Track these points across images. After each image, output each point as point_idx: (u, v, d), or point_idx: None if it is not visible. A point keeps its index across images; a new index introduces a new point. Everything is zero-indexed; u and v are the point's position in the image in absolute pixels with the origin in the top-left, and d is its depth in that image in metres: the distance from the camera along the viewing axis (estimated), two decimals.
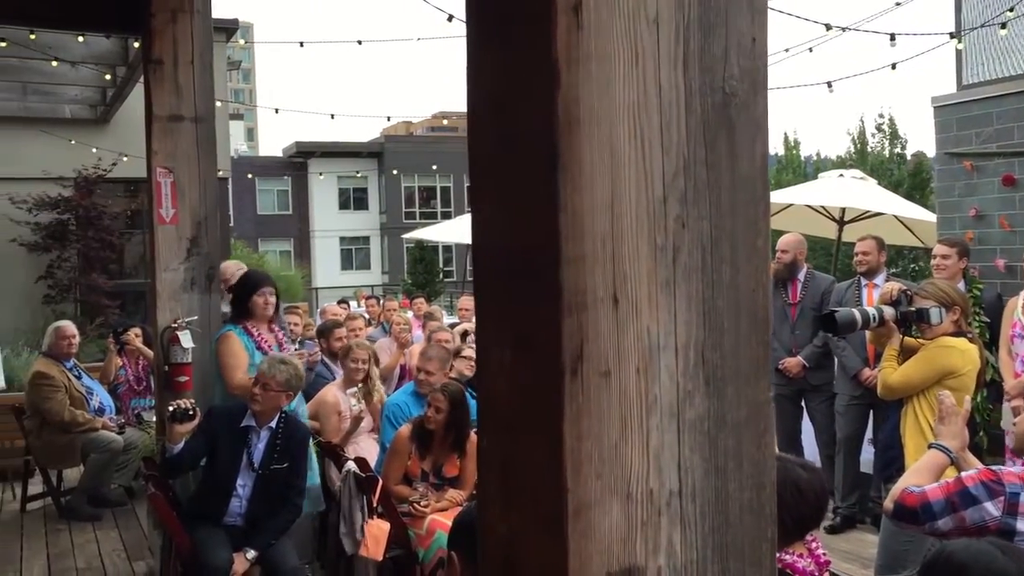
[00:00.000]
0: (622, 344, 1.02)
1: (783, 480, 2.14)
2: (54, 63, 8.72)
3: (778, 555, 2.14)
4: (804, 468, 2.24)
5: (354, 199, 42.15)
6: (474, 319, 6.88)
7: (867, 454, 6.15)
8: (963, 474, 2.58)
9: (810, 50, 8.23)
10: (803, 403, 6.42)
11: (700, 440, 1.06)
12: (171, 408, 4.27)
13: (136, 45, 7.51)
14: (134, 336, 7.39)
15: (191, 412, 4.26)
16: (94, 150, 12.04)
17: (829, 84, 7.93)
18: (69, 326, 7.05)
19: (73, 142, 11.86)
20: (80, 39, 8.41)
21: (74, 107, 11.93)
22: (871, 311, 4.05)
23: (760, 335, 1.10)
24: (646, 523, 1.03)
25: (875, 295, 5.75)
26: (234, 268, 5.90)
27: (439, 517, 4.41)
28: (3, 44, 8.17)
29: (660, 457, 1.04)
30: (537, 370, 1.04)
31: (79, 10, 6.31)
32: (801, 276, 6.31)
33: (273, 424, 4.39)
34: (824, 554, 2.26)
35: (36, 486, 6.94)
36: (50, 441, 6.61)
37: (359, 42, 9.66)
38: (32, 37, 7.99)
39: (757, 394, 1.10)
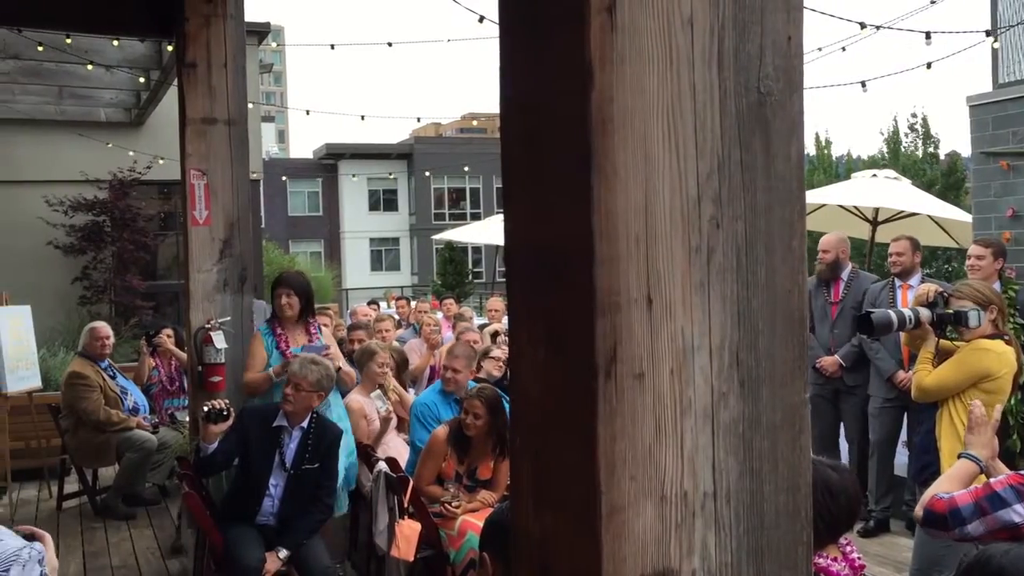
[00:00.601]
0: (656, 345, 1.02)
1: (814, 482, 2.12)
2: (89, 67, 8.84)
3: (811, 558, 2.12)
4: (835, 470, 2.22)
5: (384, 200, 42.32)
6: (504, 320, 6.92)
7: (901, 457, 6.08)
8: (992, 479, 2.55)
9: (843, 49, 8.16)
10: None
11: (734, 442, 1.06)
12: (206, 408, 4.32)
13: (170, 49, 7.60)
14: (166, 337, 7.47)
15: (225, 412, 4.30)
16: (130, 153, 12.19)
17: (863, 83, 7.85)
18: (104, 327, 7.13)
19: (109, 145, 12.01)
20: (115, 43, 8.52)
21: (109, 110, 12.08)
22: (907, 313, 3.99)
23: (796, 336, 1.10)
24: (680, 525, 1.02)
25: (910, 296, 5.69)
26: None
27: (470, 518, 4.41)
28: (40, 48, 8.29)
29: (694, 459, 1.03)
30: (570, 371, 1.04)
31: (114, 14, 6.40)
32: (844, 275, 6.25)
33: (305, 424, 4.42)
34: (859, 558, 2.24)
35: (72, 485, 7.04)
36: (85, 440, 6.69)
37: (389, 44, 9.70)
38: (68, 41, 8.11)
39: (793, 396, 1.09)
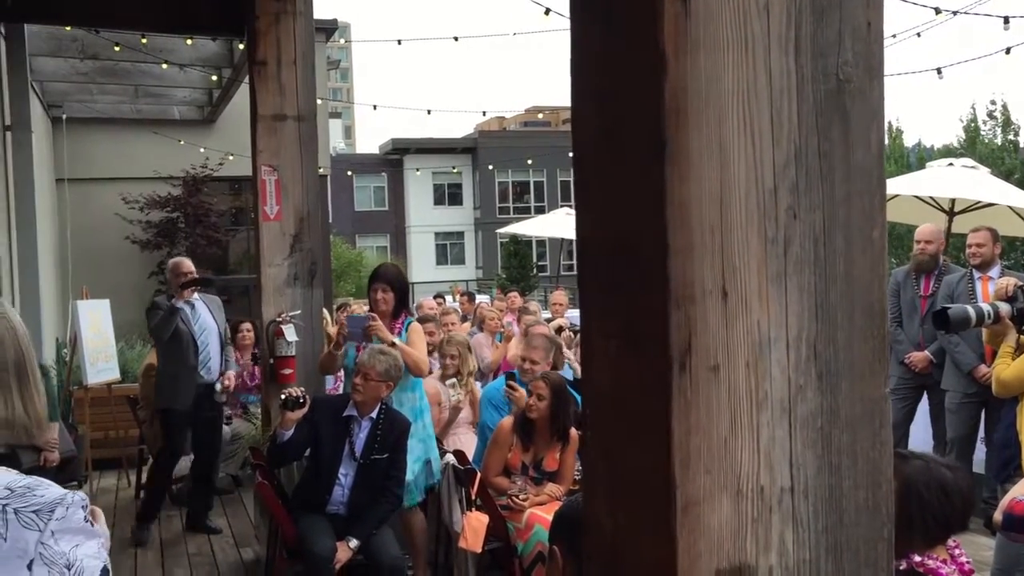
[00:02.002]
0: (731, 338, 1.00)
1: (927, 481, 2.06)
2: (164, 66, 9.06)
3: (920, 559, 2.06)
4: (950, 469, 2.14)
5: (449, 194, 42.59)
6: (568, 314, 6.91)
7: (979, 454, 5.92)
8: None
9: (918, 35, 7.94)
10: (924, 398, 6.22)
11: (813, 436, 1.03)
12: (283, 396, 4.42)
13: (241, 47, 7.75)
14: (247, 332, 7.60)
15: (302, 400, 4.39)
16: (202, 150, 12.46)
17: (939, 71, 7.65)
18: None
19: (182, 142, 12.30)
20: (188, 42, 8.72)
21: (182, 108, 12.38)
22: (986, 308, 3.88)
23: (876, 329, 1.07)
24: (757, 520, 1.01)
25: (990, 288, 5.53)
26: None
27: (538, 511, 4.42)
28: (117, 49, 8.53)
29: (771, 453, 1.01)
30: (644, 363, 1.03)
31: (187, 14, 6.54)
32: (936, 269, 6.12)
33: (374, 415, 4.48)
34: (968, 562, 2.15)
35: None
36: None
37: (455, 38, 9.74)
38: (143, 41, 8.33)
39: (873, 389, 1.07)
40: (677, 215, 0.98)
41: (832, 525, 1.04)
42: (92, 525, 1.33)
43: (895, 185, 8.84)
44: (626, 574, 1.08)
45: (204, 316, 6.17)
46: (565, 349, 6.05)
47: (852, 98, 1.05)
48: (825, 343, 1.04)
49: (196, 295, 6.12)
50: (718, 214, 0.99)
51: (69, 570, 1.27)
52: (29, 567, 1.26)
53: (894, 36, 8.42)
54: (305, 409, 4.40)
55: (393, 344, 4.75)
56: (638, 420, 1.04)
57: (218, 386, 6.23)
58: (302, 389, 4.51)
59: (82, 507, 1.32)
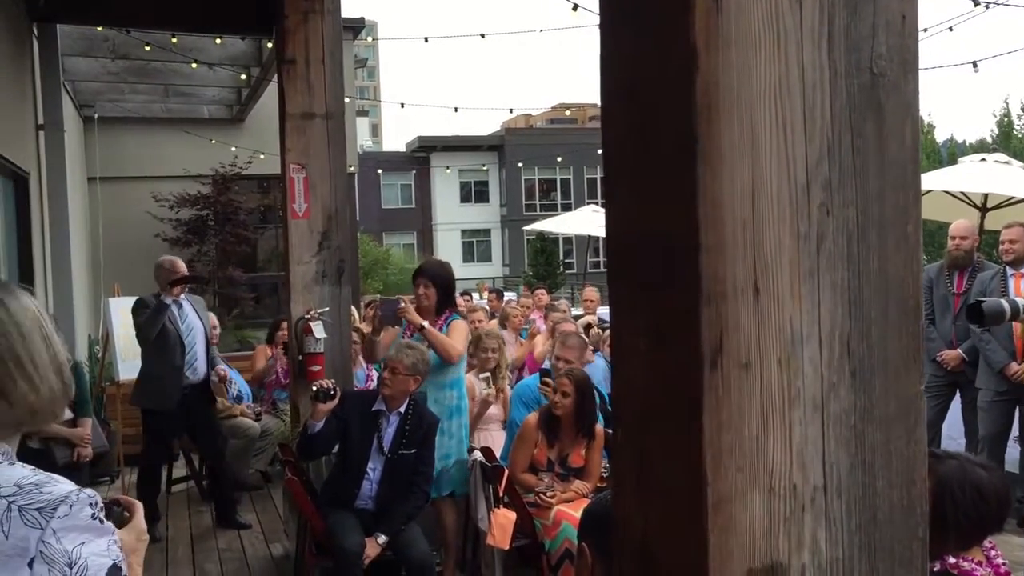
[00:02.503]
0: (763, 335, 0.99)
1: (961, 481, 2.04)
2: (194, 65, 9.14)
3: (955, 561, 2.03)
4: (984, 468, 2.11)
5: (475, 192, 42.65)
6: (599, 311, 6.88)
7: (1013, 453, 5.84)
8: None
9: (950, 29, 7.84)
10: (956, 396, 6.15)
11: (846, 434, 1.03)
12: (314, 388, 4.46)
13: (269, 46, 7.80)
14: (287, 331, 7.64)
15: (333, 392, 4.43)
16: (232, 149, 12.56)
17: (974, 64, 7.54)
18: (211, 317, 7.36)
19: (213, 141, 12.40)
20: (217, 41, 8.79)
21: (212, 107, 12.49)
22: (1021, 302, 3.82)
23: (910, 325, 1.06)
24: (789, 519, 1.00)
25: (1022, 285, 5.45)
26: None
27: (565, 508, 4.42)
28: (147, 48, 8.61)
29: (803, 451, 1.01)
30: (675, 361, 1.02)
31: (216, 13, 6.59)
32: (970, 265, 6.05)
33: (402, 409, 4.50)
34: (1004, 563, 2.12)
35: (180, 470, 7.30)
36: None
37: (482, 35, 9.75)
38: (174, 41, 8.40)
39: (907, 387, 1.05)
40: (709, 212, 0.97)
41: (865, 524, 1.04)
42: (102, 523, 1.32)
43: (927, 181, 8.73)
44: (657, 572, 1.07)
45: (191, 317, 6.16)
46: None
47: (886, 92, 1.04)
48: (858, 340, 1.03)
49: (183, 295, 6.13)
50: (750, 211, 0.98)
51: (71, 568, 1.26)
52: (30, 565, 1.25)
53: (925, 30, 8.33)
54: (336, 401, 4.43)
55: (422, 328, 4.76)
56: (669, 417, 1.04)
57: (214, 378, 6.25)
58: (333, 381, 4.55)
59: (89, 504, 1.30)
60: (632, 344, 1.10)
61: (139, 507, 1.59)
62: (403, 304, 4.88)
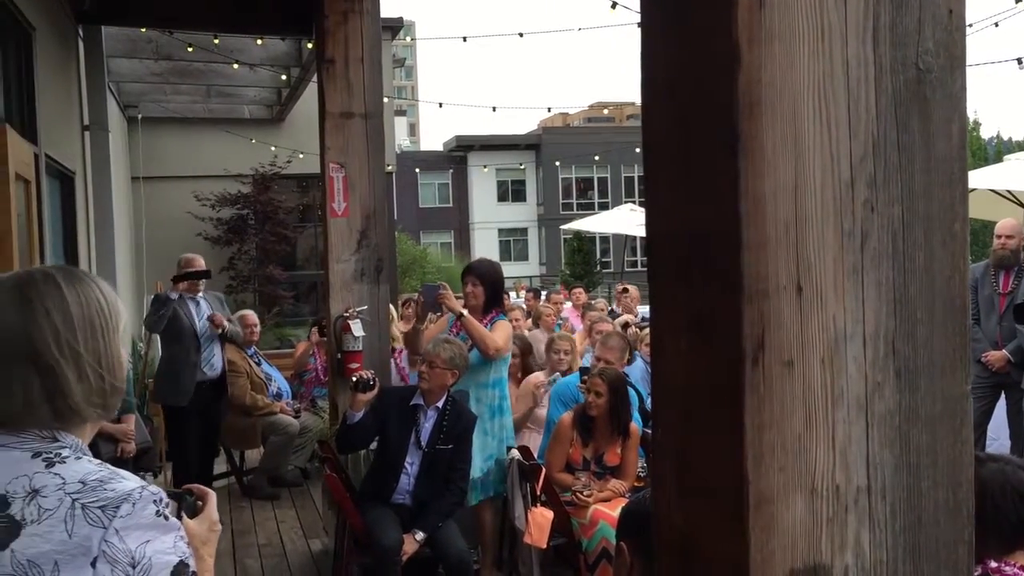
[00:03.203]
0: (806, 333, 0.98)
1: (1003, 484, 2.00)
2: (235, 66, 9.24)
3: (997, 565, 2.00)
4: None
5: (512, 191, 42.69)
6: (638, 310, 6.84)
7: None
8: None
9: (996, 24, 7.70)
10: (1000, 398, 6.04)
11: (890, 435, 1.01)
12: (354, 378, 4.50)
13: (309, 46, 7.86)
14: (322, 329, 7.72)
15: (372, 382, 4.48)
16: (272, 148, 12.69)
17: (1019, 60, 7.40)
18: (252, 315, 7.46)
19: (253, 141, 12.54)
20: (258, 42, 8.88)
21: (252, 107, 12.62)
22: None
23: (957, 324, 1.04)
24: (832, 519, 0.99)
25: None
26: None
27: (602, 507, 4.41)
28: (190, 49, 8.72)
29: (847, 451, 0.99)
30: (716, 358, 1.01)
31: (258, 14, 6.66)
32: (1016, 265, 5.94)
33: (440, 404, 4.52)
34: None
35: (221, 465, 7.39)
36: (233, 423, 7.01)
37: (520, 34, 9.77)
38: (216, 42, 8.50)
39: (953, 387, 1.04)
40: (751, 209, 0.96)
41: (910, 526, 1.02)
42: (167, 519, 1.30)
43: (973, 179, 8.59)
44: (696, 572, 1.07)
45: (206, 315, 6.25)
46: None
47: (932, 88, 1.02)
48: (904, 339, 1.02)
49: (201, 292, 6.24)
50: (793, 208, 0.97)
51: (134, 568, 1.25)
52: (93, 564, 1.24)
53: (970, 25, 8.18)
54: (375, 391, 4.48)
55: (461, 315, 4.77)
56: (709, 415, 1.03)
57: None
58: (372, 372, 4.60)
59: (153, 501, 1.28)
60: (672, 342, 1.09)
61: (212, 496, 1.57)
62: (443, 290, 4.90)
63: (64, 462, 1.31)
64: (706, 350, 1.03)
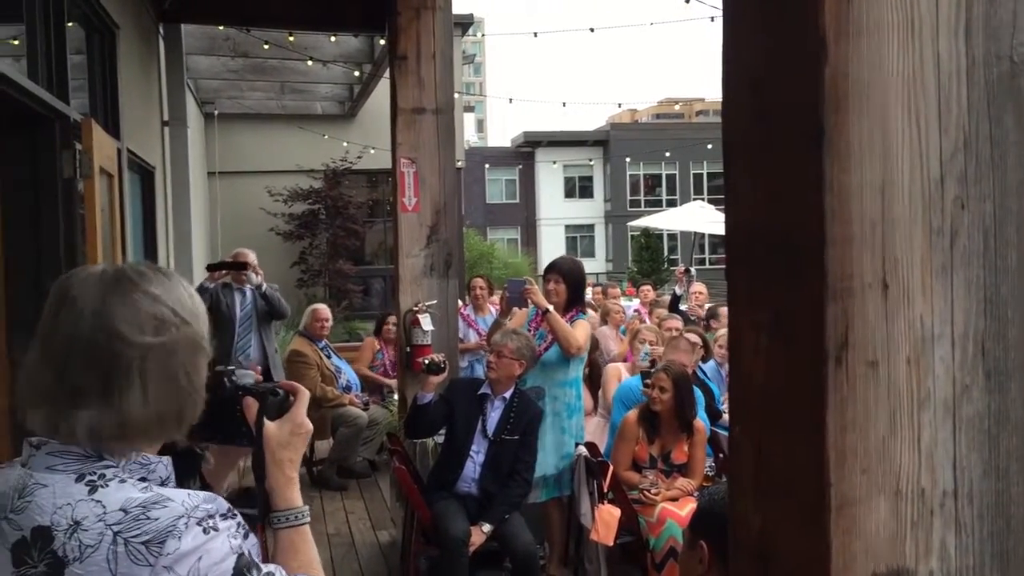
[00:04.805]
0: (891, 333, 0.96)
1: None
2: (309, 63, 9.39)
3: None
4: None
5: (579, 187, 42.56)
6: (707, 306, 6.75)
7: None
8: None
9: None
10: None
11: (979, 438, 0.99)
12: (426, 361, 4.55)
13: (381, 42, 7.95)
14: (392, 326, 7.80)
15: (443, 365, 4.54)
16: (344, 144, 12.86)
17: None
18: (324, 309, 7.56)
19: (326, 136, 12.73)
20: (332, 39, 9.01)
21: (325, 103, 12.81)
22: None
23: None
24: (916, 524, 0.97)
25: None
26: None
27: (670, 506, 4.38)
28: (266, 47, 8.89)
29: (933, 455, 0.97)
30: (797, 357, 1.00)
31: (333, 12, 6.75)
32: None
33: (507, 395, 4.55)
34: None
35: None
36: None
37: (591, 29, 9.72)
38: (291, 39, 8.65)
39: None
40: (836, 205, 0.95)
41: (998, 531, 0.99)
42: (216, 529, 1.18)
43: None
44: (775, 573, 1.05)
45: (252, 306, 6.50)
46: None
47: None
48: (994, 340, 0.99)
49: (247, 285, 6.43)
50: (879, 205, 0.96)
51: None
52: None
53: None
54: (445, 373, 4.55)
55: (547, 311, 4.77)
56: (790, 415, 1.02)
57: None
58: (443, 355, 4.65)
59: (198, 523, 1.17)
60: (751, 339, 1.08)
61: (303, 393, 1.47)
62: (529, 285, 4.91)
63: (107, 486, 1.18)
64: (787, 348, 1.02)
